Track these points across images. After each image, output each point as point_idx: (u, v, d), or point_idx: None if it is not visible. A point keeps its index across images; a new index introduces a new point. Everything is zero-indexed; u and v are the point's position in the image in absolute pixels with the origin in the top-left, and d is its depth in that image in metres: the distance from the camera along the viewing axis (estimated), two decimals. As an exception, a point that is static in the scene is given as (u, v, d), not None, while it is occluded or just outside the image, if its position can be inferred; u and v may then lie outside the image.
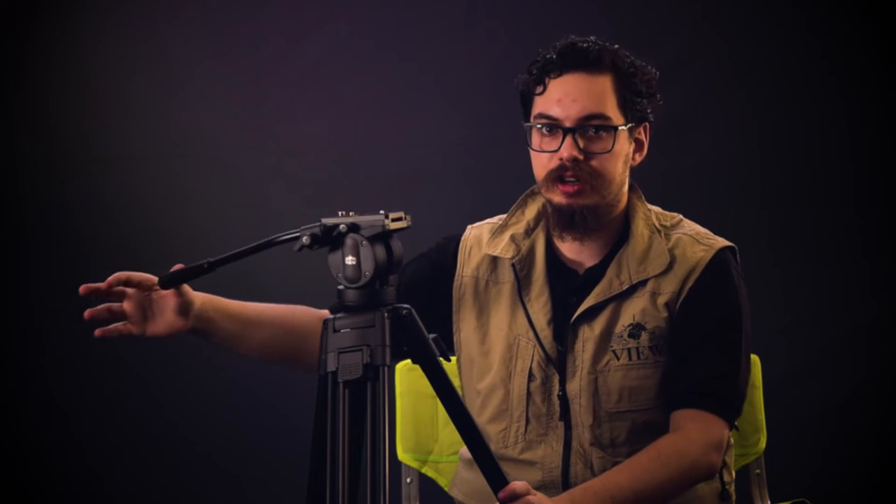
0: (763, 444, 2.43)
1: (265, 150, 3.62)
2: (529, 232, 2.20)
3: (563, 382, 2.13)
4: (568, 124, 2.07)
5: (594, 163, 2.07)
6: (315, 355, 2.10)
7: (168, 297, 1.97)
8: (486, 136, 3.50)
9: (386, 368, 1.68)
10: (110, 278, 1.94)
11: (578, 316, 2.12)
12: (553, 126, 2.08)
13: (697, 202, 3.28)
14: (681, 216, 2.22)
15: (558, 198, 2.09)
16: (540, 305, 2.15)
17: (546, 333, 2.14)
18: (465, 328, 2.21)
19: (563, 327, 2.14)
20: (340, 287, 1.73)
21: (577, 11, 3.47)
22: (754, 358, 2.42)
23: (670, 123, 3.33)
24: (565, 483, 2.12)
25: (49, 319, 3.59)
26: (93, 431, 3.63)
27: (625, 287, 2.12)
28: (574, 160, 2.06)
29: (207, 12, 3.61)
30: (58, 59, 3.62)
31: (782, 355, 3.37)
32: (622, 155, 2.11)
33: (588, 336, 2.12)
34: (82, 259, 3.57)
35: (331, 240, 1.71)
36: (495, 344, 2.18)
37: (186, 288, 1.98)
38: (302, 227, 1.71)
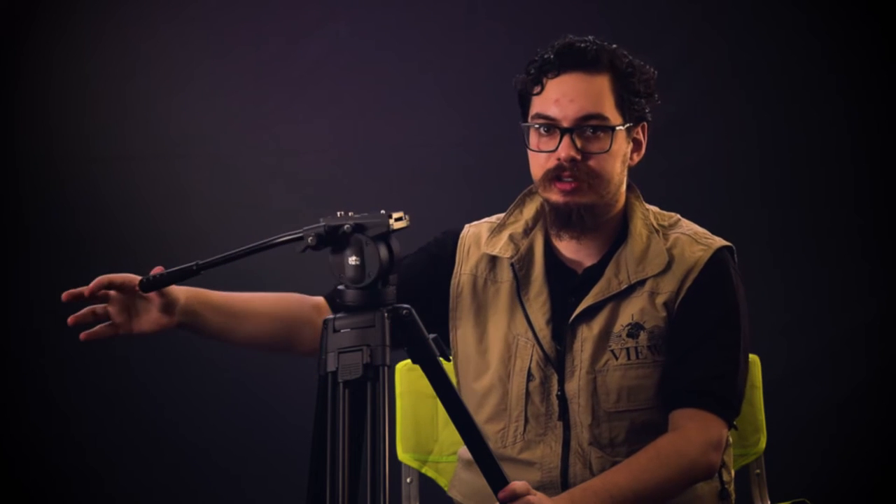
0: (763, 444, 2.43)
1: (265, 150, 3.62)
2: (528, 231, 2.20)
3: (561, 382, 2.13)
4: (565, 124, 2.07)
5: (592, 163, 2.07)
6: (308, 343, 2.12)
7: (151, 296, 1.96)
8: (486, 136, 3.50)
9: (386, 368, 1.68)
10: (92, 284, 1.93)
11: (577, 316, 2.12)
12: (550, 126, 2.08)
13: (697, 202, 3.28)
14: (678, 216, 2.23)
15: (555, 196, 2.09)
16: (539, 305, 2.15)
17: (545, 333, 2.14)
18: (463, 326, 2.21)
19: (562, 327, 2.14)
20: (341, 287, 1.73)
21: (577, 11, 3.47)
22: (754, 358, 2.42)
23: (670, 123, 3.34)
24: (564, 483, 2.12)
25: (49, 319, 3.55)
26: (93, 431, 3.63)
27: (623, 287, 2.12)
28: (572, 160, 2.06)
29: (207, 12, 3.61)
30: (58, 59, 3.62)
31: (782, 355, 3.37)
32: (620, 155, 2.11)
33: (587, 336, 2.12)
34: (82, 259, 3.57)
35: (335, 240, 1.71)
36: (493, 343, 2.18)
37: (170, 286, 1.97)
38: (305, 228, 1.71)
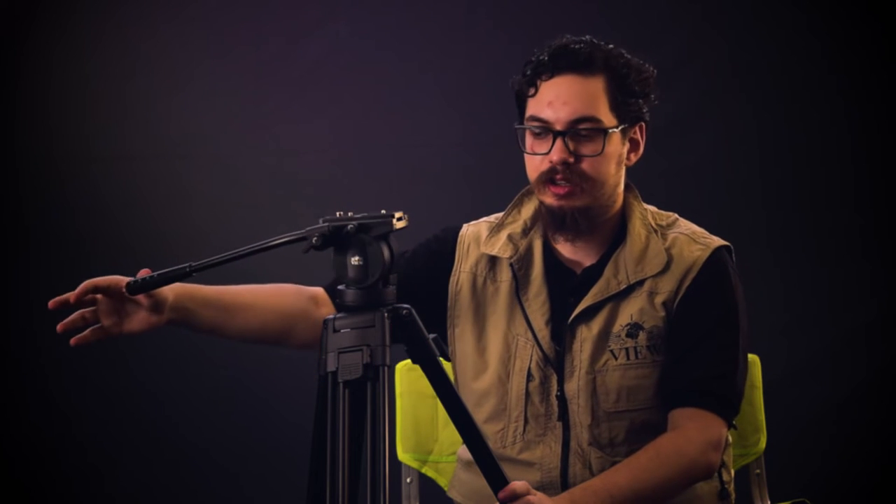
0: (763, 444, 2.43)
1: (265, 150, 3.62)
2: (527, 231, 2.20)
3: (561, 382, 2.13)
4: (558, 127, 2.06)
5: (585, 165, 2.07)
6: (303, 336, 2.12)
7: (139, 297, 1.95)
8: (486, 136, 3.50)
9: (386, 368, 1.68)
10: (77, 290, 1.92)
11: (576, 316, 2.12)
12: (544, 129, 2.08)
13: (697, 202, 3.29)
14: (676, 215, 2.22)
15: (549, 199, 2.09)
16: (538, 305, 2.15)
17: (544, 333, 2.14)
18: (461, 324, 2.21)
19: (561, 327, 2.14)
20: (342, 287, 1.73)
21: (577, 11, 3.47)
22: (754, 358, 2.42)
23: (670, 123, 3.34)
24: (564, 483, 2.12)
25: (49, 319, 3.57)
26: (93, 431, 3.63)
27: (622, 287, 2.12)
28: (564, 163, 2.06)
29: (207, 12, 3.61)
30: (58, 59, 3.62)
31: (782, 355, 3.37)
32: (615, 156, 2.10)
33: (586, 336, 2.12)
34: (82, 259, 3.57)
35: (339, 240, 1.71)
36: (492, 343, 2.18)
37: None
38: (308, 228, 1.71)
